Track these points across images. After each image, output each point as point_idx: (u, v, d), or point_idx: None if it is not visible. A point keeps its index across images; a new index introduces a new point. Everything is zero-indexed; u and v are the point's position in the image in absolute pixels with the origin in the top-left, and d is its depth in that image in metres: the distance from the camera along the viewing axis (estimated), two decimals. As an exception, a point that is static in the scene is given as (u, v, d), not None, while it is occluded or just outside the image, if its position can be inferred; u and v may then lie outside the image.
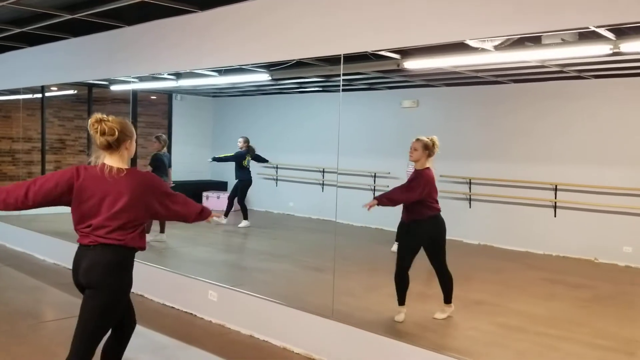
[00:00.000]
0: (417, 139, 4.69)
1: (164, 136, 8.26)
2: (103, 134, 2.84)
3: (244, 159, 9.52)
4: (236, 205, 9.61)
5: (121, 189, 2.84)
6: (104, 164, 2.87)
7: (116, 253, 2.85)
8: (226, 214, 9.63)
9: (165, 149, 8.06)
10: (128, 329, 3.13)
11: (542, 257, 7.83)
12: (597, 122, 7.70)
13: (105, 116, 2.88)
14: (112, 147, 2.87)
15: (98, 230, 2.83)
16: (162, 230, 7.81)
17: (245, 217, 9.54)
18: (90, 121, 2.88)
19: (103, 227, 2.83)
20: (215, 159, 9.95)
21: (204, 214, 3.19)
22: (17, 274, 6.67)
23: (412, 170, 4.93)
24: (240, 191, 9.56)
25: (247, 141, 9.61)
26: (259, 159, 9.91)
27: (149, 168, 7.71)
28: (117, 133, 2.85)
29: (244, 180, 9.57)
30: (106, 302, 2.83)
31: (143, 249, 2.99)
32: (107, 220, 2.83)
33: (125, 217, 2.84)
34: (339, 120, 4.68)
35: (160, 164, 7.84)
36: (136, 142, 3.04)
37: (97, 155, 2.92)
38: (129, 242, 2.87)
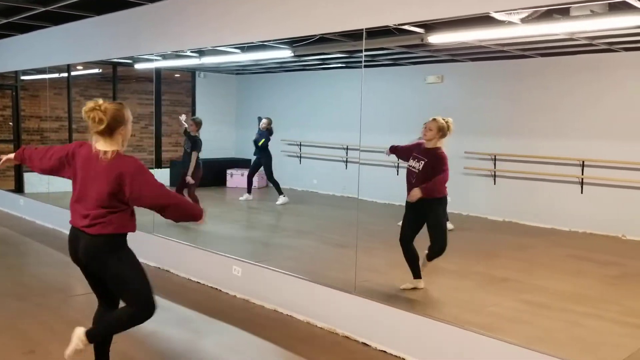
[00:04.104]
0: (434, 119, 4.73)
1: (199, 118, 8.30)
2: (94, 121, 2.88)
3: (259, 141, 9.58)
4: (260, 182, 9.71)
5: (104, 174, 2.87)
6: (96, 148, 2.92)
7: (104, 242, 2.91)
8: (249, 191, 9.80)
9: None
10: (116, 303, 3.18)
11: (569, 234, 7.74)
12: (627, 97, 7.51)
13: (99, 102, 2.90)
14: (104, 133, 2.90)
15: (85, 219, 2.90)
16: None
17: (280, 192, 9.60)
18: (84, 109, 2.91)
19: (88, 215, 2.89)
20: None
21: (191, 215, 3.10)
22: (48, 250, 6.84)
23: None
24: (265, 168, 9.66)
25: (270, 122, 9.66)
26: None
27: (193, 154, 7.75)
28: (105, 122, 2.87)
29: (262, 158, 9.64)
30: (117, 271, 2.95)
31: (132, 230, 3.02)
32: (93, 207, 2.88)
33: (107, 203, 2.87)
34: (360, 96, 4.65)
35: (200, 147, 7.92)
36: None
37: (92, 138, 2.96)
38: (114, 230, 2.91)
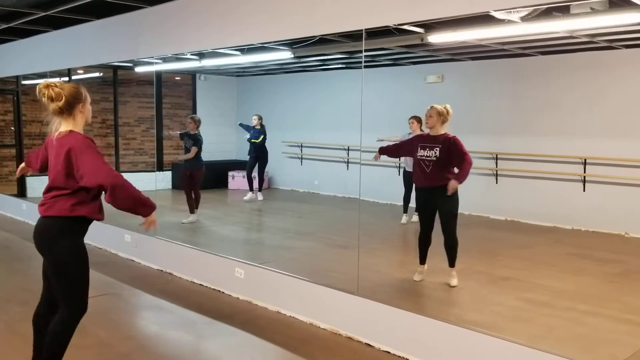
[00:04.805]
0: (432, 107, 4.94)
1: (198, 116, 8.39)
2: (51, 99, 2.85)
3: (258, 138, 9.64)
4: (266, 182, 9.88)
5: (57, 153, 2.84)
6: (58, 131, 2.89)
7: (56, 223, 2.84)
8: (251, 189, 9.93)
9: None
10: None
11: (571, 232, 7.72)
12: (628, 94, 7.50)
13: (53, 82, 2.88)
14: (63, 112, 2.87)
15: (45, 199, 2.87)
16: (192, 211, 7.91)
17: (260, 190, 9.95)
18: (38, 87, 2.87)
19: (47, 195, 2.87)
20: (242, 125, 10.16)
21: (138, 203, 2.84)
22: (50, 254, 6.84)
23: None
24: (261, 166, 9.86)
25: (261, 118, 9.75)
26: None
27: (193, 149, 7.84)
28: (64, 97, 2.84)
29: (259, 155, 9.77)
30: (58, 264, 2.87)
31: (86, 215, 2.87)
32: (50, 188, 2.86)
33: (62, 183, 2.82)
34: (361, 97, 4.65)
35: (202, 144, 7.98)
36: (90, 105, 3.01)
37: (53, 122, 2.93)
38: (60, 212, 2.81)
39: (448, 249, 5.04)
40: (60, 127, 2.89)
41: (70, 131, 2.87)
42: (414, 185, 5.29)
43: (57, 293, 2.93)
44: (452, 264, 5.06)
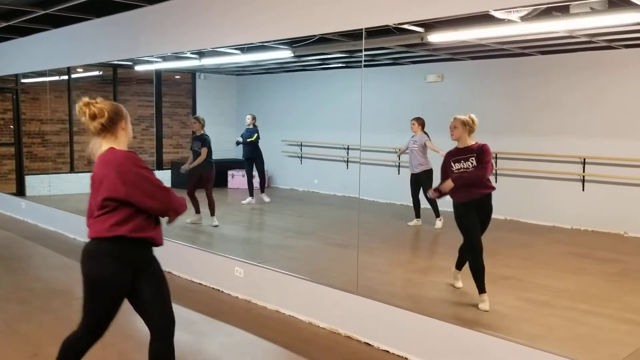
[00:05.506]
0: (455, 118, 4.68)
1: (201, 116, 8.21)
2: (93, 117, 2.67)
3: (252, 136, 9.49)
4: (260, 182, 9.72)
5: (103, 173, 2.65)
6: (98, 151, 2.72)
7: (108, 245, 2.69)
8: (251, 194, 9.72)
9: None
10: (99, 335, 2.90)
11: (570, 232, 7.73)
12: (628, 94, 7.50)
13: (92, 100, 2.71)
14: (105, 130, 2.69)
15: (91, 224, 2.71)
16: (197, 211, 7.88)
17: (251, 195, 9.70)
18: (78, 106, 2.69)
19: (93, 217, 2.70)
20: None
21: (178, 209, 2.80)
22: (50, 253, 6.85)
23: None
24: (259, 165, 9.58)
25: (254, 118, 9.56)
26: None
27: (204, 150, 7.67)
28: (106, 114, 2.68)
29: (255, 155, 9.53)
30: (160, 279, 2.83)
31: (158, 243, 2.78)
32: (91, 212, 2.72)
33: (109, 204, 2.64)
34: (361, 96, 4.65)
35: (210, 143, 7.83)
36: (130, 123, 2.84)
37: (94, 143, 2.73)
38: (123, 233, 2.64)
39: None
40: (102, 147, 2.71)
41: (111, 148, 2.69)
42: (454, 200, 4.80)
43: (159, 312, 2.88)
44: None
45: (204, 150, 7.68)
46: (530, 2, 3.69)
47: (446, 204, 7.56)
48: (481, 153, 4.62)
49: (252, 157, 9.58)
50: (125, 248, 2.69)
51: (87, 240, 2.81)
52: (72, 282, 5.66)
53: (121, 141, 2.75)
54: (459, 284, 5.05)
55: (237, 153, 12.61)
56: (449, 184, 4.66)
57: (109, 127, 2.70)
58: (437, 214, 7.61)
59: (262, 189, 9.83)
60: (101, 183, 2.64)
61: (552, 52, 7.87)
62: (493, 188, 4.73)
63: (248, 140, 9.48)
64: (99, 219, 2.67)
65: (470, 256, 4.64)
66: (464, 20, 4.39)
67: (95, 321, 2.80)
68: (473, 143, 4.69)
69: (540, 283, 5.35)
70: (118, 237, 2.65)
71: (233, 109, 12.80)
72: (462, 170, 4.63)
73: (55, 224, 8.14)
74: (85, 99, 2.70)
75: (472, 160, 4.60)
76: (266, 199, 9.79)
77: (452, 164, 4.67)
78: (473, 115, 4.71)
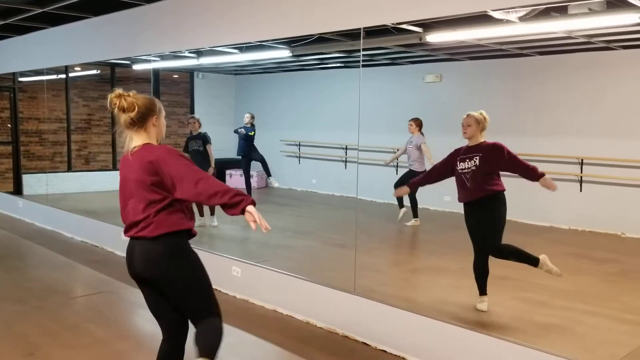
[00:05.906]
0: (468, 115, 4.54)
1: (197, 115, 8.23)
2: (123, 110, 2.58)
3: (250, 131, 9.43)
4: (259, 183, 9.65)
5: (136, 168, 2.58)
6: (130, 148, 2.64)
7: (161, 244, 2.61)
8: (267, 175, 9.60)
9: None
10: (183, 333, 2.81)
11: (568, 232, 7.74)
12: (625, 94, 7.51)
13: (125, 92, 2.62)
14: (135, 124, 2.61)
15: (133, 227, 2.62)
16: (201, 214, 7.86)
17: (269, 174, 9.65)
18: (110, 97, 2.60)
19: (136, 222, 2.60)
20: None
21: (238, 203, 2.73)
22: (47, 252, 6.83)
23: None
24: (259, 159, 9.51)
25: (253, 117, 9.51)
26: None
27: (208, 146, 7.70)
28: (137, 108, 2.59)
29: (251, 153, 9.43)
30: (182, 285, 2.70)
31: (191, 233, 2.77)
32: (136, 211, 2.60)
33: (146, 199, 2.57)
34: (359, 96, 4.65)
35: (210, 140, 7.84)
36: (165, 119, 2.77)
37: (126, 136, 2.66)
38: (165, 229, 2.58)
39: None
40: (132, 141, 2.64)
41: (147, 144, 2.63)
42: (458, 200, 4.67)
43: (195, 315, 2.71)
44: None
45: (209, 147, 7.68)
46: (529, 2, 3.69)
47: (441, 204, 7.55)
48: (498, 153, 4.48)
49: (248, 154, 9.55)
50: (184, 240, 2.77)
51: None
52: (70, 281, 5.66)
53: (152, 136, 2.68)
54: (481, 307, 4.53)
55: (235, 152, 12.63)
56: (405, 190, 4.84)
57: (139, 122, 2.62)
58: (415, 214, 7.78)
59: (268, 172, 9.58)
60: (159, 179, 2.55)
61: (551, 53, 7.88)
62: (497, 190, 4.51)
63: (250, 133, 9.43)
64: (160, 214, 2.59)
65: (474, 256, 4.59)
66: (463, 21, 4.39)
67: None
68: (482, 141, 4.57)
69: (538, 283, 5.35)
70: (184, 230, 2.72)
71: (231, 108, 12.79)
72: (465, 170, 4.50)
73: (52, 223, 8.13)
74: (118, 91, 2.62)
75: (475, 159, 4.47)
76: (275, 184, 9.61)
77: (458, 162, 4.54)
78: (484, 112, 4.59)
